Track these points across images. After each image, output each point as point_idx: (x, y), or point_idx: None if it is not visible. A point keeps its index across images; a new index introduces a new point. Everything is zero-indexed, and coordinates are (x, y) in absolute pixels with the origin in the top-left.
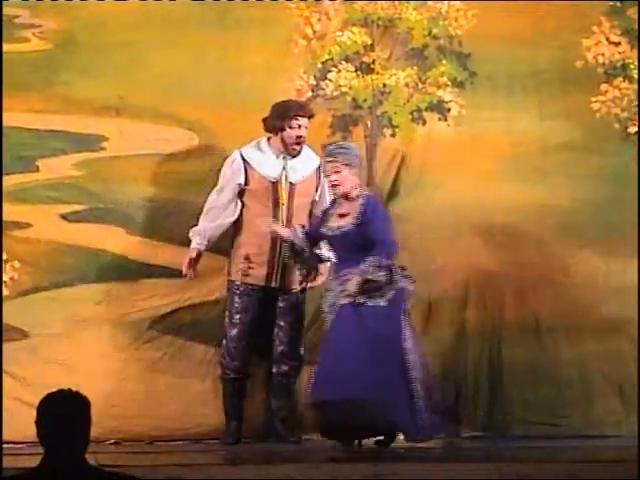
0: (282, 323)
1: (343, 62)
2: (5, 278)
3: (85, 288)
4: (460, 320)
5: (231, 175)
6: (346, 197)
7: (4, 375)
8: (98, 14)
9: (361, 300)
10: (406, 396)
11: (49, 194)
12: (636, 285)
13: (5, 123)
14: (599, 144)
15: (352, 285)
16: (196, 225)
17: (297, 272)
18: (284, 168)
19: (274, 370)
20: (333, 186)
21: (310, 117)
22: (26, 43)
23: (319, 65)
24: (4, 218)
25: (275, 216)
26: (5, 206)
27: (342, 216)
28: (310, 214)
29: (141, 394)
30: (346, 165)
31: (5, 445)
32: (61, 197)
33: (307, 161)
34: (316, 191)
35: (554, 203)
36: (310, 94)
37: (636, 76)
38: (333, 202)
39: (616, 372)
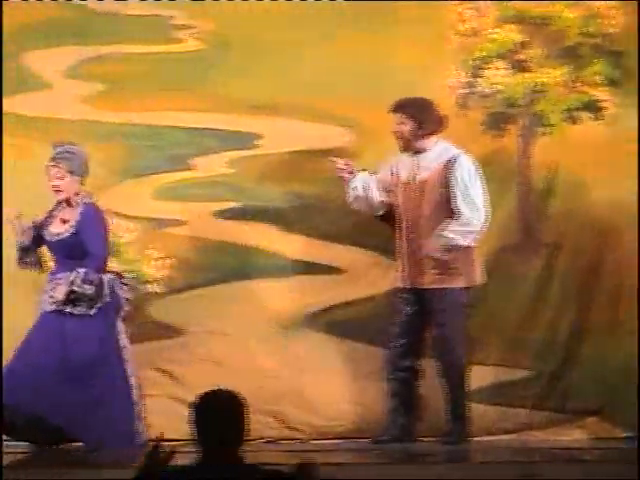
0: (434, 322)
1: (497, 59)
2: (159, 276)
3: (238, 285)
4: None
5: (381, 171)
6: (68, 203)
7: (159, 373)
8: (253, 14)
9: (67, 309)
10: (120, 404)
11: (203, 192)
12: None
13: (159, 122)
14: None
15: (59, 293)
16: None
17: (431, 271)
18: (415, 167)
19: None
20: (55, 191)
21: (396, 112)
22: (181, 44)
23: (473, 62)
24: (159, 215)
25: (404, 217)
26: (159, 204)
27: (63, 222)
28: (449, 209)
29: (295, 392)
30: (69, 172)
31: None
32: (214, 195)
33: (438, 157)
34: (444, 185)
35: None
36: (463, 91)
37: None
38: (58, 204)
39: None
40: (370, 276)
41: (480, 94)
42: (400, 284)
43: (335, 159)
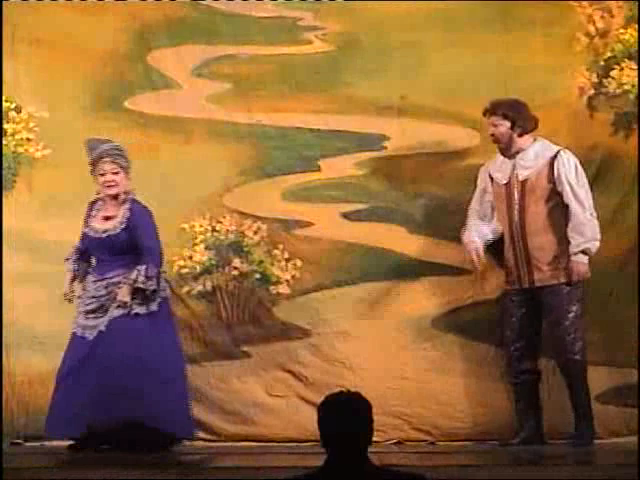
0: (549, 320)
1: (626, 60)
2: (287, 277)
3: (366, 287)
4: None
5: (479, 181)
6: (114, 199)
7: (287, 374)
8: (380, 15)
9: (135, 310)
10: (182, 397)
11: (331, 193)
12: None
13: (288, 123)
14: None
15: (124, 295)
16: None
17: (544, 268)
18: (514, 167)
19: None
20: (109, 186)
21: (489, 115)
22: (309, 45)
23: (602, 63)
24: (287, 216)
25: (509, 217)
26: (287, 205)
27: (107, 219)
28: (559, 204)
29: (422, 394)
30: (122, 168)
31: (287, 444)
32: (343, 196)
33: (538, 155)
34: (550, 182)
35: None
36: (592, 92)
37: None
38: (94, 203)
39: None
40: (498, 277)
41: (609, 95)
42: (511, 286)
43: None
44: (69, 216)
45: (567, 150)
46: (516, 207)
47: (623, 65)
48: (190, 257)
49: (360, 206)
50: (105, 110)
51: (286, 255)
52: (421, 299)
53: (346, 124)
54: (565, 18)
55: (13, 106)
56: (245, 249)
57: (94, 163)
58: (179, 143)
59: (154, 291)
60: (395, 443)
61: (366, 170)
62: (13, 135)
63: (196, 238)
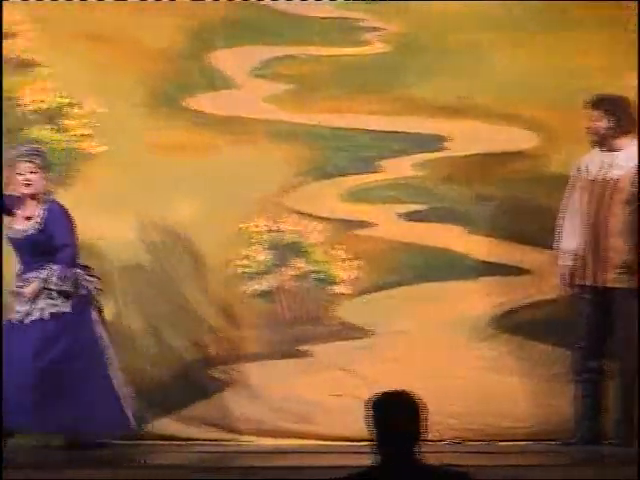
0: (615, 322)
1: None
2: (346, 277)
3: (425, 287)
4: None
5: (572, 175)
6: (33, 198)
7: (345, 373)
8: (440, 16)
9: (45, 312)
10: (100, 394)
11: (390, 194)
12: None
13: (347, 124)
14: None
15: (29, 291)
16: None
17: (615, 270)
18: (606, 165)
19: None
20: (25, 185)
21: (594, 108)
22: (368, 46)
23: None
24: (348, 217)
25: (589, 213)
26: (348, 205)
27: (27, 219)
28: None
29: (479, 393)
30: (40, 168)
31: (345, 443)
32: (402, 197)
33: (630, 157)
34: (635, 186)
35: None
36: None
37: None
38: (17, 200)
39: None
40: (556, 277)
41: None
42: (582, 281)
43: None
44: (124, 213)
45: None
46: (599, 205)
47: None
48: (248, 257)
49: (419, 207)
50: (162, 108)
51: (346, 255)
52: (480, 299)
53: (405, 125)
54: (622, 18)
55: (67, 102)
56: (304, 249)
57: (12, 164)
58: (237, 143)
59: (71, 291)
60: (453, 443)
61: (425, 171)
62: (67, 131)
63: (255, 238)
